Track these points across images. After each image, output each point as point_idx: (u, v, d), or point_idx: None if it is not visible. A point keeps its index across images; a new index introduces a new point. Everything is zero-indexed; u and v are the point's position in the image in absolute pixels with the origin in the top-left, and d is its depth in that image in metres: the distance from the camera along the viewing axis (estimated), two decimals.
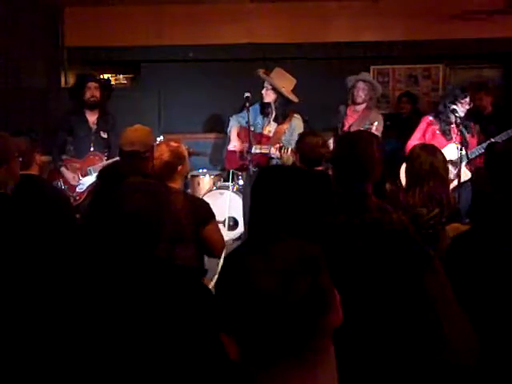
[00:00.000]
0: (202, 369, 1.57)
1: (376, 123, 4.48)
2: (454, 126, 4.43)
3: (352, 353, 1.01)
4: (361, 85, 4.85)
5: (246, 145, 4.59)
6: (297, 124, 4.59)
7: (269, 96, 4.56)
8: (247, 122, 4.42)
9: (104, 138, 4.85)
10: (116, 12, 6.38)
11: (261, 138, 4.30)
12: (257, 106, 4.70)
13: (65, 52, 6.48)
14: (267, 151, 4.41)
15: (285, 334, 0.90)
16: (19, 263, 2.30)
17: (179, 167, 3.05)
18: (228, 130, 4.86)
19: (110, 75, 8.00)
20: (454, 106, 4.42)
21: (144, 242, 1.75)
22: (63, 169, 4.73)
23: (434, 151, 3.23)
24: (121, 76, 8.11)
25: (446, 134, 4.47)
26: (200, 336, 1.61)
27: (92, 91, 4.85)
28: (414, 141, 4.40)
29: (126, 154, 3.22)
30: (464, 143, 4.25)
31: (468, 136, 4.45)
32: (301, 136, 3.85)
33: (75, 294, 1.72)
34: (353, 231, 1.90)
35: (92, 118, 4.89)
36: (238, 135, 4.73)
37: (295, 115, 4.63)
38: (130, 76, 8.01)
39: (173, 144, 3.14)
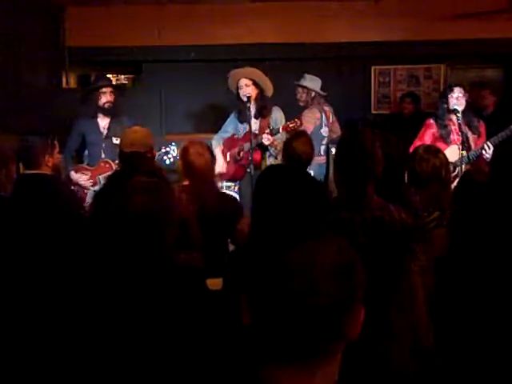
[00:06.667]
0: (202, 370, 1.57)
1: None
2: (454, 127, 4.38)
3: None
4: (299, 89, 5.13)
5: (236, 149, 4.64)
6: (278, 116, 4.64)
7: (253, 91, 4.56)
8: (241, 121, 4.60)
9: (117, 144, 4.45)
10: (117, 12, 6.39)
11: (250, 137, 4.32)
12: (233, 117, 4.76)
13: (66, 52, 6.48)
14: (261, 141, 4.44)
15: (301, 335, 0.89)
16: (18, 265, 2.30)
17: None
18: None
19: (111, 75, 8.00)
20: (452, 105, 4.38)
21: (147, 242, 1.75)
22: (72, 172, 4.48)
23: (436, 153, 3.22)
24: (122, 76, 8.12)
25: (444, 137, 4.42)
26: (201, 337, 1.61)
27: (107, 96, 4.66)
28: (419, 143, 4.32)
29: (127, 155, 3.24)
30: (465, 144, 4.20)
31: (473, 137, 4.40)
32: (293, 138, 3.86)
33: (78, 294, 1.72)
34: (354, 228, 1.91)
35: (103, 122, 4.71)
36: (223, 151, 4.76)
37: (274, 107, 4.68)
38: (132, 76, 8.02)
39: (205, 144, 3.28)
